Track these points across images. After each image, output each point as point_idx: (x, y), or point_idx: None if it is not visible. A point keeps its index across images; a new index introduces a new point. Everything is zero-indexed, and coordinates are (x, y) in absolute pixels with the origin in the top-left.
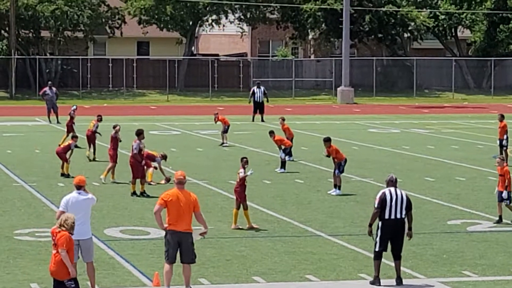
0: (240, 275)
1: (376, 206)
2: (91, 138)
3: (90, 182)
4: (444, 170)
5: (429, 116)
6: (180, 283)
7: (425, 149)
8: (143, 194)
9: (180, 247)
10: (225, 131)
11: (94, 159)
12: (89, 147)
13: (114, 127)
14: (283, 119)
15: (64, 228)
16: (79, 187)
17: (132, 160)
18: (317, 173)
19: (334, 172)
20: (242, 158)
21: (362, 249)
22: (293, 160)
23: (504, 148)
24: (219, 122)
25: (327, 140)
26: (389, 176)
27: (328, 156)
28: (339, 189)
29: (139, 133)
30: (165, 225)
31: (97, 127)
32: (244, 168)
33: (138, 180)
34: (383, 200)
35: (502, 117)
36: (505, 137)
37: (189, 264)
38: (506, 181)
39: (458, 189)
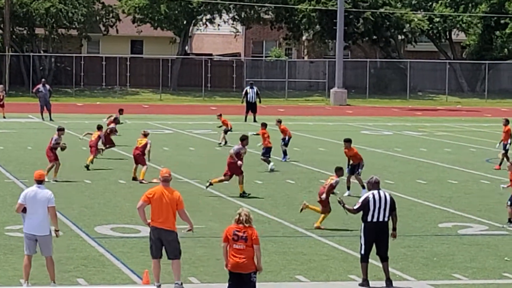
0: None
1: (355, 207)
2: (107, 139)
3: (92, 180)
4: (436, 173)
5: (422, 119)
6: (170, 281)
7: (417, 152)
8: (243, 194)
9: (163, 243)
10: (225, 131)
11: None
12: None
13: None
14: (280, 121)
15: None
16: (40, 181)
17: (230, 160)
18: (308, 174)
19: (353, 173)
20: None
21: (353, 250)
22: (286, 161)
23: (503, 152)
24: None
25: (348, 141)
26: (372, 178)
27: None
28: (364, 187)
29: (244, 139)
30: (149, 221)
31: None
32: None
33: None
34: (366, 204)
35: (507, 122)
36: (509, 141)
37: (175, 259)
38: None
39: (450, 192)
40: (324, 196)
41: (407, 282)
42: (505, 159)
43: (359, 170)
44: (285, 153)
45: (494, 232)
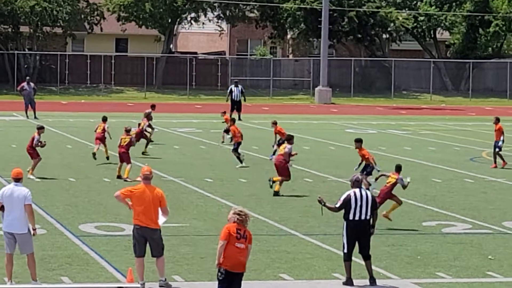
0: (214, 273)
1: (337, 206)
2: (140, 136)
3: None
4: (420, 172)
5: (407, 118)
6: (155, 280)
7: (401, 150)
8: (277, 193)
9: (147, 241)
10: (226, 130)
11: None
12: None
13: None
14: (275, 123)
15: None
16: (17, 179)
17: (279, 162)
18: (292, 173)
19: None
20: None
21: (337, 249)
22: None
23: (498, 149)
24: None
25: (358, 141)
26: (354, 176)
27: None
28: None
29: (290, 138)
30: (130, 203)
31: (148, 125)
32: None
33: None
34: (347, 202)
35: (497, 120)
36: (501, 138)
37: (159, 257)
38: None
39: (434, 191)
40: (387, 192)
41: (391, 280)
42: (496, 156)
43: (366, 171)
44: (274, 153)
45: (478, 230)
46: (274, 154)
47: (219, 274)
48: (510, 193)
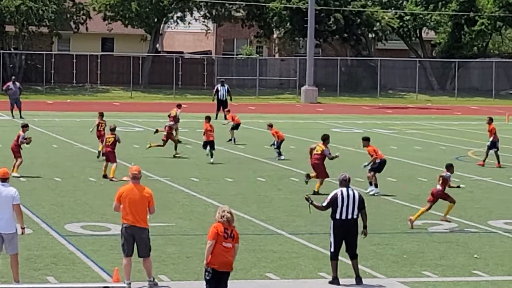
0: (200, 272)
1: (324, 204)
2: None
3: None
4: (406, 171)
5: (393, 117)
6: (141, 279)
7: (387, 150)
8: (316, 193)
9: (136, 241)
10: (234, 128)
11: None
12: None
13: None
14: (271, 125)
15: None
16: (4, 179)
17: (315, 161)
18: (278, 172)
19: (369, 170)
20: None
21: (323, 248)
22: (283, 159)
23: (495, 150)
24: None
25: (364, 139)
26: (342, 175)
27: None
28: (376, 186)
29: (325, 138)
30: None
31: (177, 120)
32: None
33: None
34: (334, 201)
35: (491, 120)
36: (491, 139)
37: (146, 257)
38: None
39: (420, 190)
40: (439, 188)
41: (377, 279)
42: (487, 155)
43: (369, 167)
44: (279, 153)
45: (464, 229)
46: (280, 154)
47: (207, 273)
48: (496, 192)
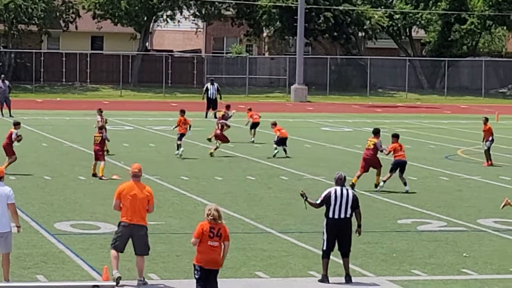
0: (190, 271)
1: (317, 202)
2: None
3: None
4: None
5: (382, 116)
6: (130, 278)
7: None
8: (377, 185)
9: (132, 239)
10: (252, 127)
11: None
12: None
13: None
14: (274, 124)
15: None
16: None
17: (368, 156)
18: (268, 170)
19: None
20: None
21: (312, 246)
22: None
23: (486, 148)
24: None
25: (396, 136)
26: (337, 174)
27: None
28: (405, 185)
29: (377, 132)
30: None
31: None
32: None
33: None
34: (327, 199)
35: (486, 120)
36: (490, 138)
37: (142, 256)
38: None
39: (410, 189)
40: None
41: (367, 278)
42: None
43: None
44: (286, 151)
45: (453, 228)
46: (285, 152)
47: (195, 272)
48: (485, 191)
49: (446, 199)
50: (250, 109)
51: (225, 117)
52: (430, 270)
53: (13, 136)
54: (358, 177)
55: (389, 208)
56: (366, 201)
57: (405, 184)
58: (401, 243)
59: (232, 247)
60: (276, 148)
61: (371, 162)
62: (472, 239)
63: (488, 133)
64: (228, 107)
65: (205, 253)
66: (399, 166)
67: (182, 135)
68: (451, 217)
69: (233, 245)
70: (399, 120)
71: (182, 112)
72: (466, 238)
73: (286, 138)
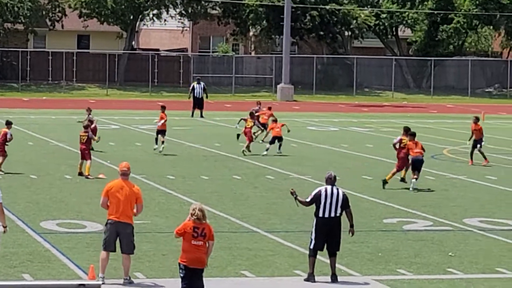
0: (176, 270)
1: (307, 200)
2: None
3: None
4: (381, 169)
5: (369, 115)
6: (116, 277)
7: (363, 148)
8: (403, 180)
9: (119, 237)
10: (263, 125)
11: None
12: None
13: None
14: (275, 121)
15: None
16: None
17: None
18: (255, 170)
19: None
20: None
21: (298, 246)
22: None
23: (478, 147)
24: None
25: (413, 134)
26: (328, 173)
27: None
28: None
29: (408, 129)
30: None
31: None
32: None
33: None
34: (317, 197)
35: (477, 119)
36: (480, 138)
37: (128, 254)
38: None
39: (395, 188)
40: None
41: (352, 277)
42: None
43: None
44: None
45: (439, 227)
46: (279, 149)
47: (180, 270)
48: (471, 190)
49: (432, 198)
50: (270, 108)
51: (253, 115)
52: (416, 270)
53: (8, 136)
54: (393, 174)
55: (375, 207)
56: (353, 200)
57: (404, 181)
58: (387, 242)
59: (217, 246)
60: (267, 149)
61: (402, 160)
62: (457, 239)
63: (479, 133)
64: (259, 103)
65: (190, 252)
66: (415, 163)
67: (163, 132)
68: (437, 217)
69: (218, 244)
70: (385, 119)
71: (163, 108)
72: (452, 237)
73: (279, 137)
